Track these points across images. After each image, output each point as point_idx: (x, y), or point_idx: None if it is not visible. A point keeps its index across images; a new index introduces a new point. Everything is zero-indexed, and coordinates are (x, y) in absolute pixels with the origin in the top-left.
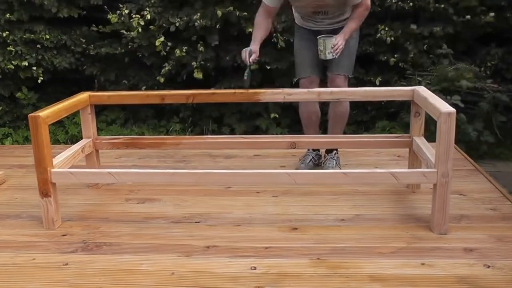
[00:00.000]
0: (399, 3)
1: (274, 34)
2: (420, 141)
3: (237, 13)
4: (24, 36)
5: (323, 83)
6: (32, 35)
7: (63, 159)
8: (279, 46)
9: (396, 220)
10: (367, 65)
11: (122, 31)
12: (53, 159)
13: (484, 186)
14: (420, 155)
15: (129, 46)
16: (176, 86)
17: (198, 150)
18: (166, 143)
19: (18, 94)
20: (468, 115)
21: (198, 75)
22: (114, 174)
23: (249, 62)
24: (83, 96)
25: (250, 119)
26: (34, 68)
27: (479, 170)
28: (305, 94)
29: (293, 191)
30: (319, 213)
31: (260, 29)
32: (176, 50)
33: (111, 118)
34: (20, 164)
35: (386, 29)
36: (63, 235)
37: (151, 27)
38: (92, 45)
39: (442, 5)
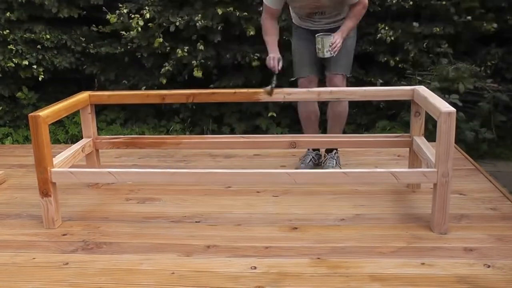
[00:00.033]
0: (400, 2)
1: None
2: (420, 141)
3: (237, 13)
4: (25, 35)
5: (322, 82)
6: (33, 35)
7: (63, 159)
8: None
9: (396, 220)
10: (367, 66)
11: (122, 32)
12: (53, 159)
13: (484, 185)
14: (420, 154)
15: (129, 47)
16: (176, 86)
17: (198, 150)
18: (166, 143)
19: (19, 94)
20: (468, 115)
21: (198, 73)
22: (114, 174)
23: (278, 70)
24: (83, 95)
25: (250, 119)
26: (35, 67)
27: (479, 169)
28: (305, 94)
29: (293, 191)
30: (319, 212)
31: (272, 35)
32: (178, 50)
33: (111, 118)
34: (20, 163)
35: (386, 28)
36: (63, 235)
37: (149, 24)
38: (91, 44)
39: (444, 2)
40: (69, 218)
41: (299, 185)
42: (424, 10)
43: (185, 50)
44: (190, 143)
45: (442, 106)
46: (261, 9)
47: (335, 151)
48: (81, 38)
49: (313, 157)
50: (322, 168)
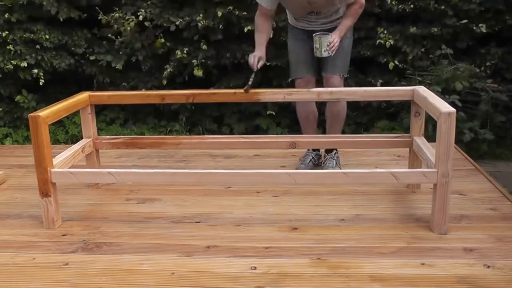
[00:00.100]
0: (400, 5)
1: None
2: (420, 141)
3: (237, 12)
4: (24, 35)
5: (319, 83)
6: (32, 35)
7: (63, 159)
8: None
9: (396, 220)
10: (367, 67)
11: (118, 36)
12: (53, 159)
13: (484, 186)
14: (420, 155)
15: (125, 49)
16: (176, 86)
17: (198, 150)
18: (166, 143)
19: (18, 98)
20: (468, 115)
21: (198, 72)
22: (114, 174)
23: (257, 68)
24: (83, 96)
25: (249, 119)
26: (35, 70)
27: (479, 170)
28: (305, 94)
29: (293, 191)
30: (319, 213)
31: (261, 33)
32: (177, 51)
33: (111, 118)
34: (20, 164)
35: (385, 32)
36: (63, 235)
37: (146, 23)
38: (91, 49)
39: (442, 7)
40: (69, 218)
41: (299, 185)
42: (423, 13)
43: (185, 52)
44: (190, 143)
45: (442, 106)
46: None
47: (335, 151)
48: (80, 41)
49: (313, 157)
50: (322, 168)
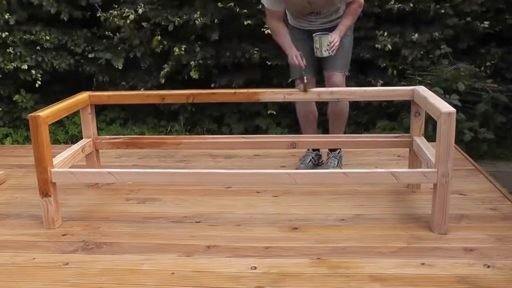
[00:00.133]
0: (399, 5)
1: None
2: (420, 141)
3: (237, 9)
4: (24, 37)
5: (318, 83)
6: (32, 36)
7: (63, 159)
8: None
9: (396, 220)
10: (367, 69)
11: (117, 33)
12: (53, 159)
13: (484, 186)
14: (420, 155)
15: (123, 45)
16: (175, 86)
17: (198, 150)
18: (166, 143)
19: (16, 97)
20: (468, 115)
21: (195, 74)
22: (114, 174)
23: (304, 64)
24: (83, 96)
25: (249, 119)
26: (33, 72)
27: (479, 170)
28: (305, 94)
29: (293, 191)
30: (319, 213)
31: (282, 35)
32: (175, 48)
33: (111, 118)
34: (20, 164)
35: (385, 34)
36: (63, 235)
37: (143, 23)
38: (90, 47)
39: (442, 10)
40: (69, 218)
41: (299, 185)
42: (423, 14)
43: (183, 49)
44: (190, 143)
45: (442, 106)
46: (260, 6)
47: (338, 150)
48: (80, 39)
49: (313, 157)
50: (324, 167)
